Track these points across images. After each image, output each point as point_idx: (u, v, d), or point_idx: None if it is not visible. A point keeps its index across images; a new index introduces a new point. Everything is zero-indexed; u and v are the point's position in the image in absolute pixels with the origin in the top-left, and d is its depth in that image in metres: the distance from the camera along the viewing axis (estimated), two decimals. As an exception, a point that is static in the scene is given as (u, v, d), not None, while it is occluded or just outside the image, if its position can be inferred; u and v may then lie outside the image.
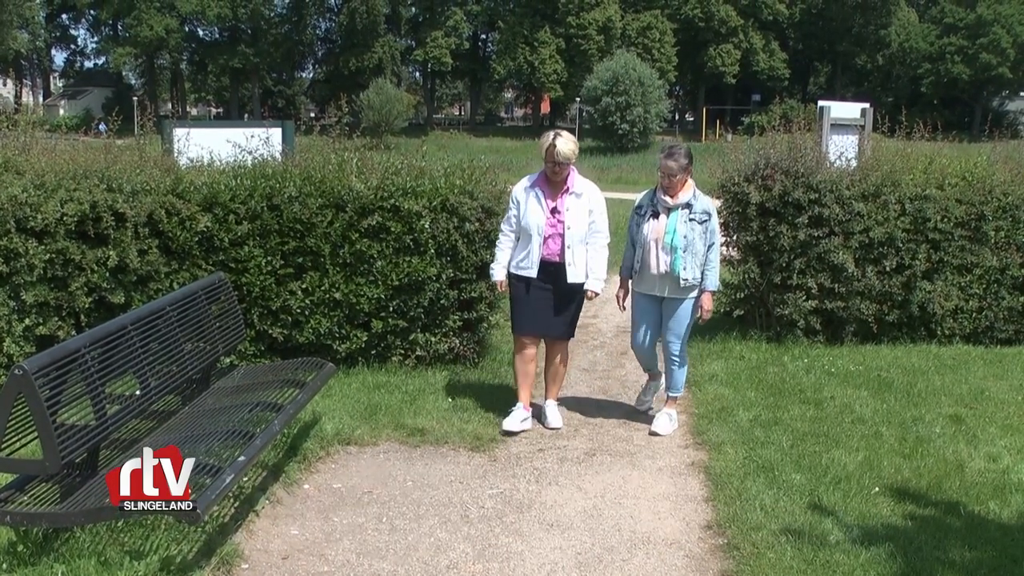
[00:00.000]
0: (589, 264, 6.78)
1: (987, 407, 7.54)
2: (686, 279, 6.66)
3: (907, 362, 8.77)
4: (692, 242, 6.62)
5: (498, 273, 6.91)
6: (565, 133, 6.67)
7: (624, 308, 7.26)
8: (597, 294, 6.88)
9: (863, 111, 11.65)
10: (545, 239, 6.70)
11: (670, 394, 7.15)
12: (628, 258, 7.02)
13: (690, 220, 6.63)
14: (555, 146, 6.54)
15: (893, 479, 5.95)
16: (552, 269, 6.74)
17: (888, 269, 9.16)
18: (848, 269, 9.00)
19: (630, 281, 7.08)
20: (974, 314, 9.54)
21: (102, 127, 9.83)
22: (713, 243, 6.74)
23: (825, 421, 7.08)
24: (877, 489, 5.76)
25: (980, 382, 8.20)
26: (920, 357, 8.96)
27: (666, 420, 7.03)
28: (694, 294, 6.79)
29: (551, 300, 6.82)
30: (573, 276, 6.72)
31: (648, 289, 6.91)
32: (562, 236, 6.69)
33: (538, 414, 7.16)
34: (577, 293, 6.84)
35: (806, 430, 6.85)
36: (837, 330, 9.41)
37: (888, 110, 15.87)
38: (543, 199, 6.70)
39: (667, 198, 6.70)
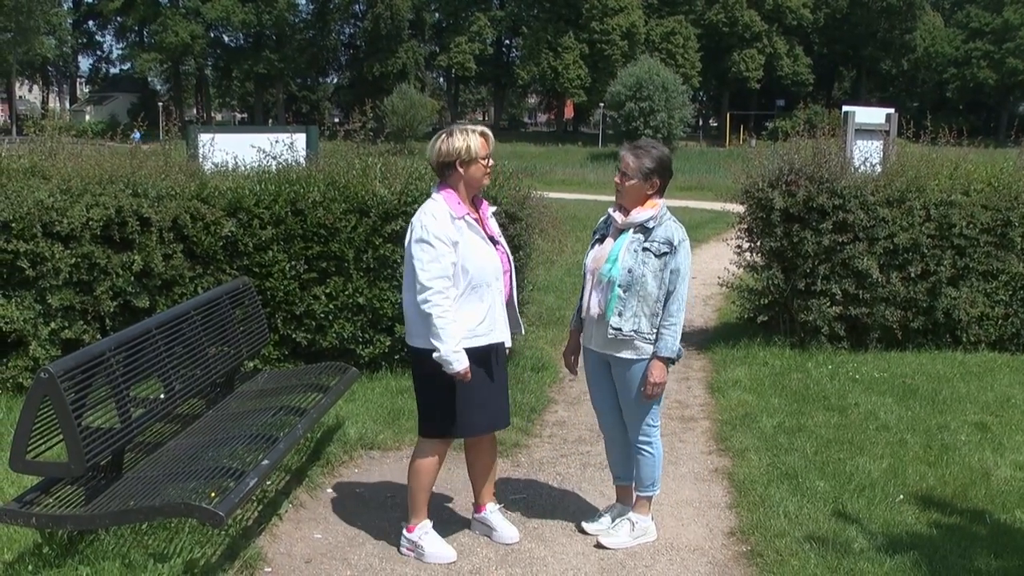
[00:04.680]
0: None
1: (1013, 415, 7.47)
2: (617, 329, 4.77)
3: (932, 369, 8.71)
4: (639, 279, 4.73)
5: (464, 358, 4.62)
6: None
7: (576, 372, 5.37)
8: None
9: (888, 116, 11.59)
10: None
11: (639, 493, 5.21)
12: (578, 302, 5.19)
13: (643, 249, 4.77)
14: (486, 135, 4.77)
15: (918, 487, 5.91)
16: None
17: (913, 275, 9.11)
18: (873, 275, 8.94)
19: (582, 336, 5.21)
20: (1000, 321, 9.46)
21: (136, 136, 9.96)
22: (675, 289, 4.79)
23: (849, 428, 7.04)
24: (902, 497, 5.72)
25: (1006, 389, 8.13)
26: (945, 364, 8.90)
27: (625, 530, 5.17)
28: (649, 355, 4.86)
29: (503, 372, 5.06)
30: (522, 324, 5.15)
31: (588, 341, 5.08)
32: (510, 273, 4.93)
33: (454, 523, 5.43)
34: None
35: (830, 437, 6.81)
36: (861, 336, 9.36)
37: (913, 115, 15.82)
38: (480, 228, 4.77)
39: (618, 215, 4.91)
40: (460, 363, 4.58)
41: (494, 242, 4.84)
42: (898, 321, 9.20)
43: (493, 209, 4.99)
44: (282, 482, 5.72)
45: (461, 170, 4.69)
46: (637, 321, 4.77)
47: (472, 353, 4.67)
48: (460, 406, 4.79)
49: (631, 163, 4.82)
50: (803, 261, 9.05)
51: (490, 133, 4.82)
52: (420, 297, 4.58)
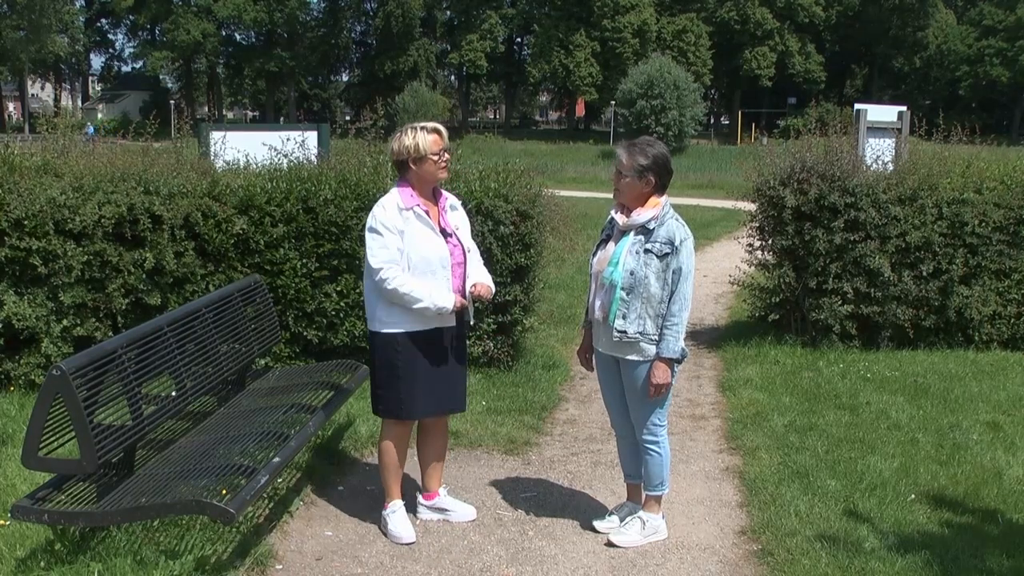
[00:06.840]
0: (478, 275, 5.15)
1: (1026, 414, 7.45)
2: (623, 331, 4.79)
3: (944, 368, 8.69)
4: (641, 281, 4.74)
5: (449, 296, 4.91)
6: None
7: (592, 369, 5.33)
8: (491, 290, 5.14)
9: (900, 114, 11.58)
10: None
11: (648, 492, 5.20)
12: (586, 302, 5.22)
13: (645, 251, 4.76)
14: (439, 131, 4.99)
15: (929, 486, 5.89)
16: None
17: (925, 274, 9.08)
18: (884, 274, 8.93)
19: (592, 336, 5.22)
20: (1012, 319, 9.43)
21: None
22: (677, 289, 4.77)
23: (861, 427, 7.02)
24: (913, 496, 5.71)
25: (1018, 388, 8.10)
26: (957, 363, 8.87)
27: (636, 527, 5.18)
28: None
29: (454, 358, 5.18)
30: (473, 314, 5.24)
31: (596, 342, 5.12)
32: (463, 266, 5.08)
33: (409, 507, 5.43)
34: (465, 337, 5.43)
35: (841, 436, 6.80)
36: (873, 335, 9.34)
37: (925, 113, 15.81)
38: (431, 220, 4.99)
39: (620, 217, 4.91)
40: (448, 301, 4.91)
41: (448, 235, 5.04)
42: (910, 320, 9.18)
43: (452, 202, 5.23)
44: (293, 479, 5.73)
45: (413, 167, 4.96)
46: (642, 323, 4.79)
47: (414, 337, 4.98)
48: (406, 389, 5.04)
49: (625, 161, 4.83)
50: (814, 259, 9.04)
51: (443, 129, 5.05)
52: (376, 279, 4.88)
